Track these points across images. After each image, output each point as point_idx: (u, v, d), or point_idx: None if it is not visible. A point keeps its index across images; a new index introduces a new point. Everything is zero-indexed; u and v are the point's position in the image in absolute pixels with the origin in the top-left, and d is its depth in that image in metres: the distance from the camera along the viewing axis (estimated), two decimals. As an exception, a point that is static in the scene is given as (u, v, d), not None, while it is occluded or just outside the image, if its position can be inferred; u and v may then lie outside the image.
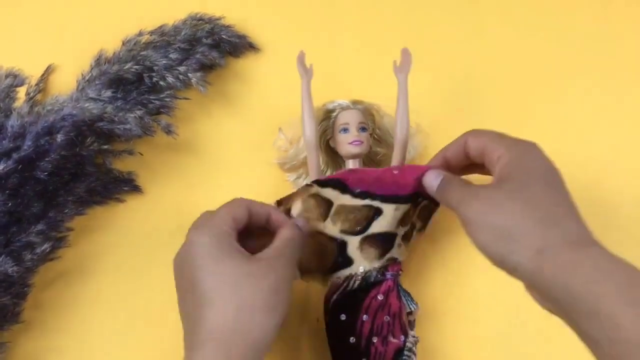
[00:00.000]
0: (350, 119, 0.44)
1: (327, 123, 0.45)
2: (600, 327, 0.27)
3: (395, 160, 0.44)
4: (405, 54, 0.43)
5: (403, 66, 0.43)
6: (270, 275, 0.35)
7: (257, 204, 0.39)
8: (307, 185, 0.42)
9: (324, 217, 0.41)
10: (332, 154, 0.46)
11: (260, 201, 0.40)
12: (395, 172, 0.41)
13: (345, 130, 0.44)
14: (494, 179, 0.35)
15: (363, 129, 0.44)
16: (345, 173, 0.42)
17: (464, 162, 0.39)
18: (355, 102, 0.45)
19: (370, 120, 0.46)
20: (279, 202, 0.42)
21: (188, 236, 0.37)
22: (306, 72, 0.42)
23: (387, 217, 0.40)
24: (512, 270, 0.32)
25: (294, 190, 0.43)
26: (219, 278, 0.34)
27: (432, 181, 0.38)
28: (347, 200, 0.41)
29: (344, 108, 0.45)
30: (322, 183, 0.41)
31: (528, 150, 0.35)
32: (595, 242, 0.31)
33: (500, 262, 0.32)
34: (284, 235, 0.38)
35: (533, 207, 0.32)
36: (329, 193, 0.41)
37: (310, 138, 0.42)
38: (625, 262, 0.30)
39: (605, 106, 0.52)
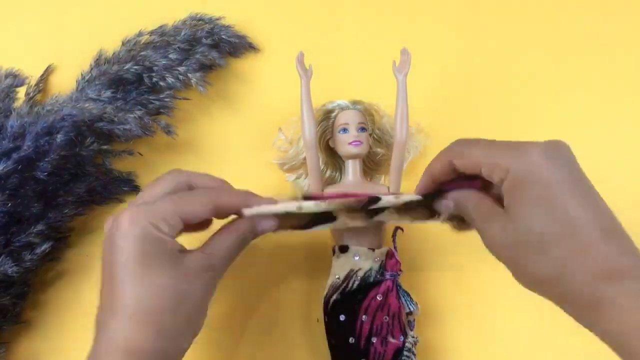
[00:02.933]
0: (349, 119, 0.44)
1: (326, 123, 0.45)
2: None
3: (394, 161, 0.43)
4: (405, 54, 0.43)
5: (402, 66, 0.43)
6: (189, 298, 0.32)
7: (226, 195, 0.36)
8: (294, 198, 0.39)
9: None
10: (331, 154, 0.46)
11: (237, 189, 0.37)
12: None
13: (345, 130, 0.44)
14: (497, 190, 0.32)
15: (362, 129, 0.44)
16: (340, 195, 0.39)
17: (453, 175, 0.36)
18: (354, 103, 0.45)
19: (369, 121, 0.46)
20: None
21: (116, 224, 0.32)
22: (305, 73, 0.42)
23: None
24: (569, 295, 0.28)
25: (294, 188, 0.42)
26: (137, 293, 0.31)
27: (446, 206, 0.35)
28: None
29: (343, 108, 0.45)
30: (307, 197, 0.39)
31: (524, 160, 0.31)
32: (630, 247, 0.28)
33: (554, 285, 0.29)
34: (225, 241, 0.35)
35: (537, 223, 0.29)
36: (311, 206, 0.37)
37: (309, 138, 0.42)
38: None
39: (606, 106, 0.52)
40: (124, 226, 0.32)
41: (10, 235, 0.42)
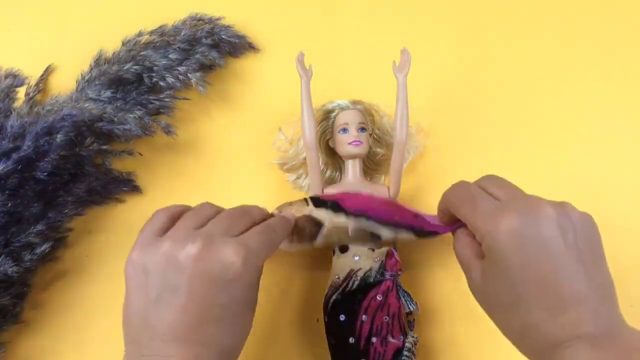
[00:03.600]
0: (349, 119, 0.44)
1: (326, 123, 0.45)
2: None
3: (394, 161, 0.43)
4: (405, 54, 0.43)
5: (402, 66, 0.42)
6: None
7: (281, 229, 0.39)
8: (304, 200, 0.42)
9: (313, 238, 0.41)
10: (331, 154, 0.46)
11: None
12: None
13: (345, 130, 0.44)
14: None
15: (362, 129, 0.44)
16: (340, 195, 0.42)
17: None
18: (354, 103, 0.45)
19: (369, 121, 0.46)
20: (280, 209, 0.42)
21: (222, 257, 0.33)
22: (305, 73, 0.42)
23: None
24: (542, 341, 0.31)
25: (294, 188, 0.44)
26: (231, 336, 0.34)
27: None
28: (341, 219, 0.41)
29: (343, 108, 0.45)
30: (319, 203, 0.41)
31: (510, 235, 0.31)
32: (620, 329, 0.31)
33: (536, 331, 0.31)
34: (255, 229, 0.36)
35: (511, 290, 0.31)
36: (322, 215, 0.41)
37: (309, 138, 0.42)
38: None
39: (606, 106, 0.52)
40: (236, 268, 0.32)
41: (10, 235, 0.42)
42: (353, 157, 0.44)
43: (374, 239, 0.41)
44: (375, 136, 0.46)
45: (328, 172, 0.46)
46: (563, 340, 0.29)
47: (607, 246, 0.47)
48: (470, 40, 0.54)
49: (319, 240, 0.41)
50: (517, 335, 0.32)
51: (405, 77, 0.42)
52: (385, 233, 0.41)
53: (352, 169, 0.44)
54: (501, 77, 0.53)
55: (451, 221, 0.39)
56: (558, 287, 0.30)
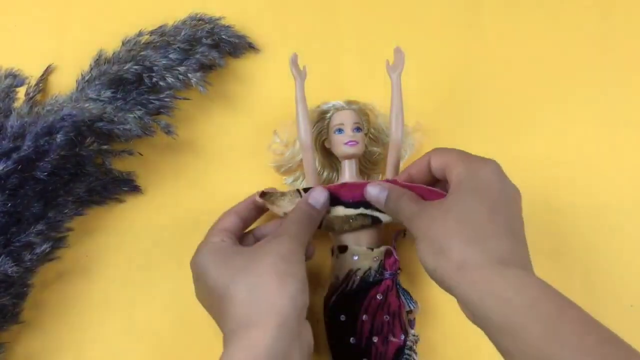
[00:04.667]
0: (344, 119, 0.44)
1: (322, 124, 0.45)
2: (512, 340, 0.29)
3: (390, 159, 0.44)
4: (398, 53, 0.43)
5: (396, 65, 0.43)
6: (272, 251, 0.35)
7: (242, 205, 0.41)
8: (297, 191, 0.42)
9: None
10: (327, 155, 0.46)
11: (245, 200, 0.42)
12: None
13: (340, 130, 0.44)
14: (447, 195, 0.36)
15: (358, 129, 0.44)
16: (337, 186, 0.43)
17: (427, 179, 0.40)
18: (349, 103, 0.45)
19: (364, 120, 0.46)
20: (262, 195, 0.42)
21: (191, 267, 0.38)
22: (299, 74, 0.42)
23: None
24: (440, 283, 0.33)
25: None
26: (228, 272, 0.35)
27: (377, 194, 0.40)
28: (340, 210, 0.41)
29: (338, 109, 0.45)
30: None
31: (482, 168, 0.35)
32: (522, 264, 0.32)
33: (432, 275, 0.34)
34: (294, 211, 0.39)
35: (463, 223, 0.33)
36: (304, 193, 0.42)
37: (305, 140, 0.42)
38: (539, 283, 0.31)
39: (606, 106, 0.52)
40: (193, 260, 0.39)
41: (10, 235, 0.42)
42: (349, 157, 0.44)
43: (374, 223, 0.41)
44: (371, 136, 0.46)
45: (325, 173, 0.46)
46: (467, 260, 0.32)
47: (608, 246, 0.48)
48: (467, 40, 0.54)
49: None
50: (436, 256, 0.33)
51: (399, 76, 0.43)
52: (386, 217, 0.41)
53: (349, 169, 0.44)
54: (498, 76, 0.53)
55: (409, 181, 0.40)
56: (503, 219, 0.33)
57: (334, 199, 0.41)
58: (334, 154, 0.45)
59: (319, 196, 0.40)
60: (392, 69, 0.43)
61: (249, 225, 0.42)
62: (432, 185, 0.40)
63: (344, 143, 0.43)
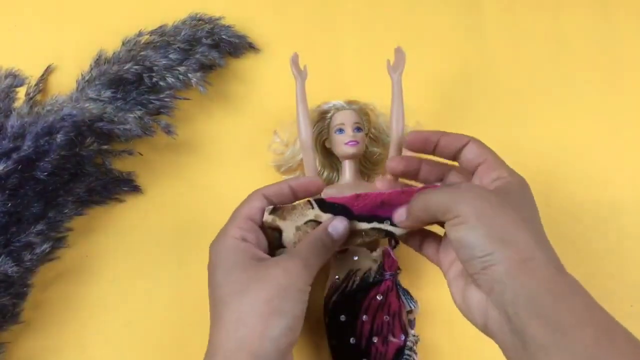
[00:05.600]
0: (345, 119, 0.44)
1: (322, 124, 0.45)
2: (559, 338, 0.28)
3: None
4: (399, 53, 0.43)
5: (397, 65, 0.43)
6: (278, 277, 0.33)
7: (271, 187, 0.38)
8: (307, 202, 0.38)
9: None
10: (328, 155, 0.46)
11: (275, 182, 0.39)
12: (402, 192, 0.39)
13: (341, 130, 0.44)
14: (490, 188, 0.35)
15: (358, 129, 0.44)
16: (351, 198, 0.39)
17: (449, 153, 0.39)
18: (350, 103, 0.45)
19: (365, 120, 0.46)
20: (272, 211, 0.38)
21: (209, 250, 0.37)
22: (300, 74, 0.43)
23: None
24: (486, 269, 0.31)
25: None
26: (228, 290, 0.34)
27: (401, 215, 0.37)
28: (353, 225, 0.38)
29: (338, 109, 0.45)
30: (325, 206, 0.38)
31: (525, 183, 0.36)
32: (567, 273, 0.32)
33: (480, 261, 0.31)
34: (310, 236, 0.37)
35: (527, 221, 0.32)
36: (323, 219, 0.38)
37: (306, 140, 0.42)
38: (590, 295, 0.31)
39: (606, 105, 0.52)
40: (210, 251, 0.37)
41: (10, 235, 0.42)
42: (350, 157, 0.44)
43: (387, 236, 0.39)
44: (371, 135, 0.46)
45: (325, 173, 0.46)
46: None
47: (608, 246, 0.48)
48: (468, 40, 0.54)
49: None
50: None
51: (400, 75, 0.43)
52: (399, 231, 0.38)
53: (349, 169, 0.44)
54: (499, 76, 0.53)
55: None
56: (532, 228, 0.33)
57: (347, 212, 0.38)
58: (334, 153, 0.45)
59: (339, 225, 0.37)
60: (392, 69, 0.43)
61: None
62: (438, 165, 0.40)
63: (344, 143, 0.43)
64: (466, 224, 0.31)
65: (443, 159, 0.39)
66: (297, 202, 0.39)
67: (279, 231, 0.38)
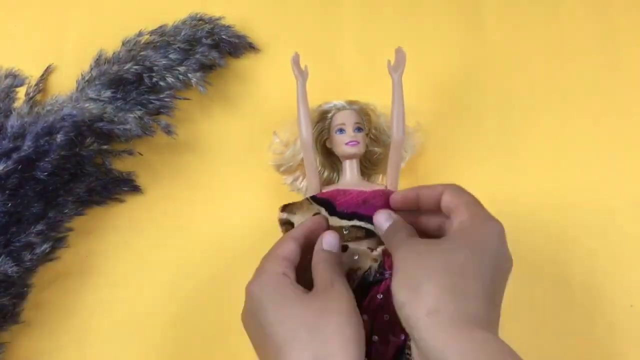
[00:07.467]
0: (346, 119, 0.44)
1: (322, 124, 0.45)
2: None
3: (391, 160, 0.43)
4: (399, 53, 0.43)
5: (397, 65, 0.42)
6: (336, 310, 0.33)
7: (297, 229, 0.39)
8: (307, 199, 0.42)
9: None
10: (328, 155, 0.46)
11: (299, 225, 0.40)
12: (383, 192, 0.42)
13: (342, 131, 0.44)
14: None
15: (359, 129, 0.44)
16: (334, 192, 0.42)
17: (432, 206, 0.39)
18: (350, 103, 0.45)
19: (366, 120, 0.46)
20: (284, 208, 0.42)
21: (246, 292, 0.35)
22: (301, 74, 0.42)
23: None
24: (404, 320, 0.31)
25: (291, 190, 0.44)
26: (289, 326, 0.32)
27: (382, 223, 0.39)
28: (335, 221, 0.41)
29: (339, 109, 0.45)
30: (317, 201, 0.42)
31: (488, 225, 0.34)
32: (492, 330, 0.31)
33: (399, 310, 0.32)
34: (320, 264, 0.37)
35: (448, 271, 0.31)
36: (324, 212, 0.42)
37: (306, 139, 0.42)
38: (505, 349, 0.29)
39: (606, 107, 0.52)
40: (249, 290, 0.36)
41: (10, 235, 0.42)
42: (350, 157, 0.44)
43: (368, 236, 0.41)
44: (372, 136, 0.46)
45: (325, 173, 0.46)
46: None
47: (608, 246, 0.48)
48: (469, 41, 0.54)
49: None
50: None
51: (401, 75, 0.42)
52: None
53: (350, 169, 0.44)
54: (499, 76, 0.53)
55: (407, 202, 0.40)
56: (487, 281, 0.32)
57: (331, 208, 0.41)
58: (334, 154, 0.45)
59: (331, 240, 0.39)
60: (393, 69, 0.43)
61: (306, 253, 0.38)
62: (433, 216, 0.39)
63: (345, 143, 0.43)
64: (394, 275, 0.33)
65: (430, 211, 0.39)
66: (299, 201, 0.43)
67: (292, 225, 0.41)
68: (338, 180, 0.46)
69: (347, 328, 0.32)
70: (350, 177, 0.44)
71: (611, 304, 0.46)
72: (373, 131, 0.46)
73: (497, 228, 0.34)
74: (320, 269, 0.37)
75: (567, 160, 0.50)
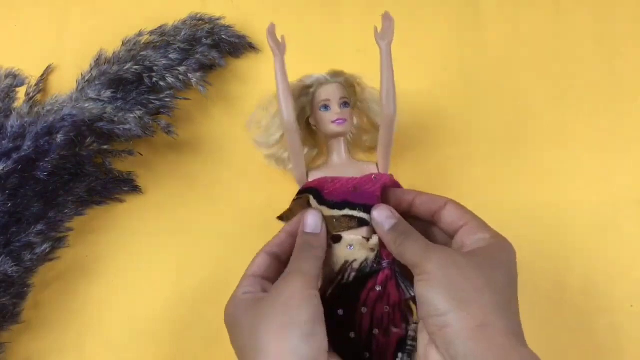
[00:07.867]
0: (330, 94, 0.40)
1: (305, 100, 0.41)
2: None
3: (382, 139, 0.40)
4: (387, 19, 0.38)
5: (385, 33, 0.38)
6: (275, 303, 0.33)
7: (271, 241, 0.39)
8: (298, 198, 0.40)
9: None
10: (312, 133, 0.43)
11: (275, 237, 0.40)
12: (374, 177, 0.39)
13: (326, 107, 0.40)
14: (462, 249, 0.35)
15: (345, 104, 0.40)
16: (322, 180, 0.39)
17: (425, 215, 0.38)
18: (334, 75, 0.41)
19: (352, 93, 0.42)
20: (281, 218, 0.42)
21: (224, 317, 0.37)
22: (278, 47, 0.38)
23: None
24: (439, 325, 0.31)
25: (277, 167, 0.43)
26: (253, 344, 0.33)
27: (383, 220, 0.38)
28: (324, 211, 0.38)
29: (322, 83, 0.41)
30: (304, 191, 0.40)
31: (509, 246, 0.35)
32: (525, 344, 0.32)
33: (437, 319, 0.31)
34: (296, 245, 0.38)
35: (491, 285, 0.32)
36: (313, 202, 0.39)
37: (289, 122, 0.38)
38: None
39: (606, 106, 0.52)
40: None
41: (10, 235, 0.42)
42: (337, 136, 0.41)
43: (361, 225, 0.38)
44: (358, 110, 0.42)
45: (306, 151, 0.43)
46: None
47: (608, 246, 0.48)
48: (468, 40, 0.54)
49: None
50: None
51: (389, 45, 0.38)
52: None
53: (337, 149, 0.41)
54: (499, 76, 0.53)
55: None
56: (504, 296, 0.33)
57: (319, 197, 0.39)
58: (319, 131, 0.41)
59: (312, 221, 0.38)
60: (380, 36, 0.38)
61: (286, 259, 0.38)
62: (416, 222, 0.39)
63: (331, 121, 0.40)
64: (428, 281, 0.32)
65: (421, 219, 0.39)
66: (290, 203, 0.41)
67: None
68: (327, 162, 0.43)
69: (283, 316, 0.32)
70: (337, 158, 0.41)
71: (611, 304, 0.46)
72: (359, 104, 0.42)
73: (513, 248, 0.35)
74: (293, 254, 0.37)
75: (567, 160, 0.50)
